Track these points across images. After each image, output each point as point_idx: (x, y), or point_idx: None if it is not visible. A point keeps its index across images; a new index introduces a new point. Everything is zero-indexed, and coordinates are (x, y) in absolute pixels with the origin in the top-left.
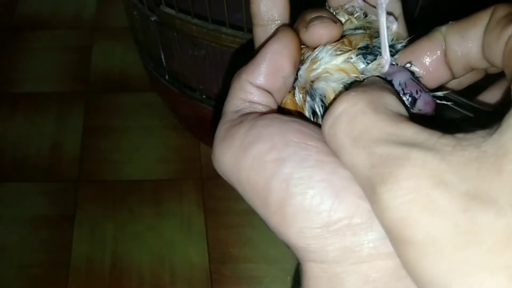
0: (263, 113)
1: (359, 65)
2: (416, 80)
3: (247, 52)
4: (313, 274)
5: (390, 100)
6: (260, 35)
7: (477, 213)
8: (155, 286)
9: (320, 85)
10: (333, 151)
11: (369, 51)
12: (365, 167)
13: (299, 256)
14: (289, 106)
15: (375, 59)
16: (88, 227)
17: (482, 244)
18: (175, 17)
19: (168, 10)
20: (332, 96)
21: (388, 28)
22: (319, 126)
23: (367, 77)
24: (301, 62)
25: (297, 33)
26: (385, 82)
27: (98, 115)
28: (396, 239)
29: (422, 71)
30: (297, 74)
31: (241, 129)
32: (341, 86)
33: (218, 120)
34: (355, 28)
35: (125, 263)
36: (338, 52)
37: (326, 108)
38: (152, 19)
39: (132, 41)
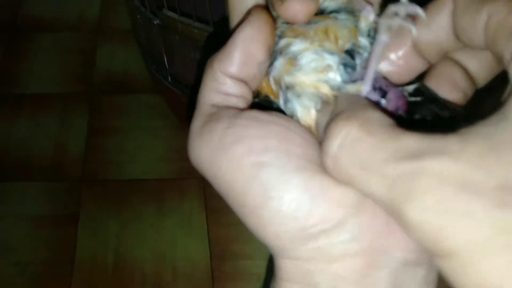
0: (240, 109)
1: (337, 79)
2: (385, 79)
3: None
4: (286, 270)
5: (378, 116)
6: (235, 4)
7: None
8: (157, 283)
9: (293, 100)
10: (332, 175)
11: (352, 63)
12: (383, 192)
13: (273, 252)
14: (266, 90)
15: (356, 70)
16: (91, 226)
17: None
18: (177, 20)
19: (170, 13)
20: (302, 113)
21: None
22: (299, 124)
23: (339, 95)
24: (278, 50)
25: (272, 7)
26: (359, 97)
27: (101, 116)
28: (438, 255)
29: (394, 67)
30: (272, 62)
31: (219, 126)
32: (313, 104)
33: (192, 106)
34: (338, 10)
35: (127, 261)
36: (320, 64)
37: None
38: (155, 22)
39: (135, 43)
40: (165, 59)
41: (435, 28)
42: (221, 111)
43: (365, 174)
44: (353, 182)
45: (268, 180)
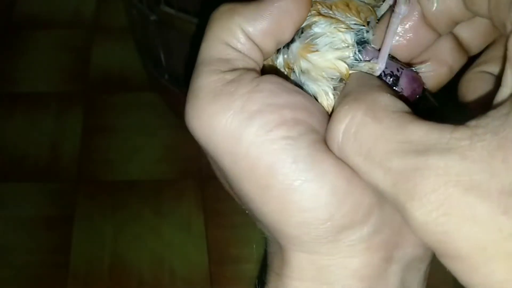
0: (259, 74)
1: (349, 58)
2: (395, 60)
3: None
4: (299, 265)
5: (386, 100)
6: None
7: None
8: (154, 287)
9: (310, 85)
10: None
11: (364, 39)
12: (388, 185)
13: (285, 244)
14: (268, 69)
15: (368, 45)
16: (87, 228)
17: None
18: (175, 16)
19: (167, 9)
20: (321, 97)
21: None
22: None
23: (351, 74)
24: (298, 30)
25: None
26: (370, 77)
27: (97, 115)
28: (443, 255)
29: (404, 40)
30: (288, 43)
31: (241, 89)
32: (331, 87)
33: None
34: None
35: (124, 264)
36: (338, 44)
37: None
38: (152, 18)
39: (131, 40)
40: (162, 56)
41: None
42: (239, 71)
43: (369, 164)
44: (359, 172)
45: (301, 159)
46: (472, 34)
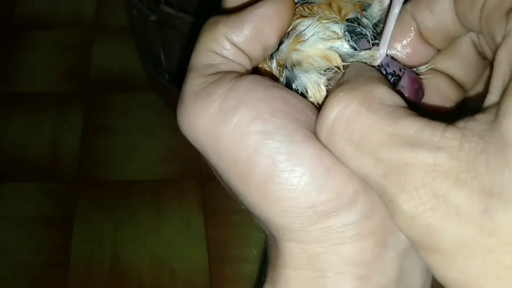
0: (242, 73)
1: (345, 45)
2: (397, 61)
3: None
4: (291, 254)
5: (383, 92)
6: None
7: (496, 212)
8: (154, 287)
9: (301, 77)
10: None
11: (358, 31)
12: (377, 176)
13: (276, 235)
14: (263, 73)
15: (363, 38)
16: (87, 228)
17: (509, 244)
18: (175, 16)
19: (167, 9)
20: (312, 90)
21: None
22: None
23: (350, 64)
24: (285, 33)
25: None
26: (370, 68)
27: (97, 115)
28: (423, 248)
29: (402, 56)
30: (278, 46)
31: (219, 89)
32: (323, 79)
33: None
34: None
35: (124, 264)
36: (326, 33)
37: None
38: (152, 18)
39: (131, 40)
40: (162, 56)
41: (439, 13)
42: (221, 74)
43: (360, 153)
44: (346, 160)
45: (277, 151)
46: (464, 70)
